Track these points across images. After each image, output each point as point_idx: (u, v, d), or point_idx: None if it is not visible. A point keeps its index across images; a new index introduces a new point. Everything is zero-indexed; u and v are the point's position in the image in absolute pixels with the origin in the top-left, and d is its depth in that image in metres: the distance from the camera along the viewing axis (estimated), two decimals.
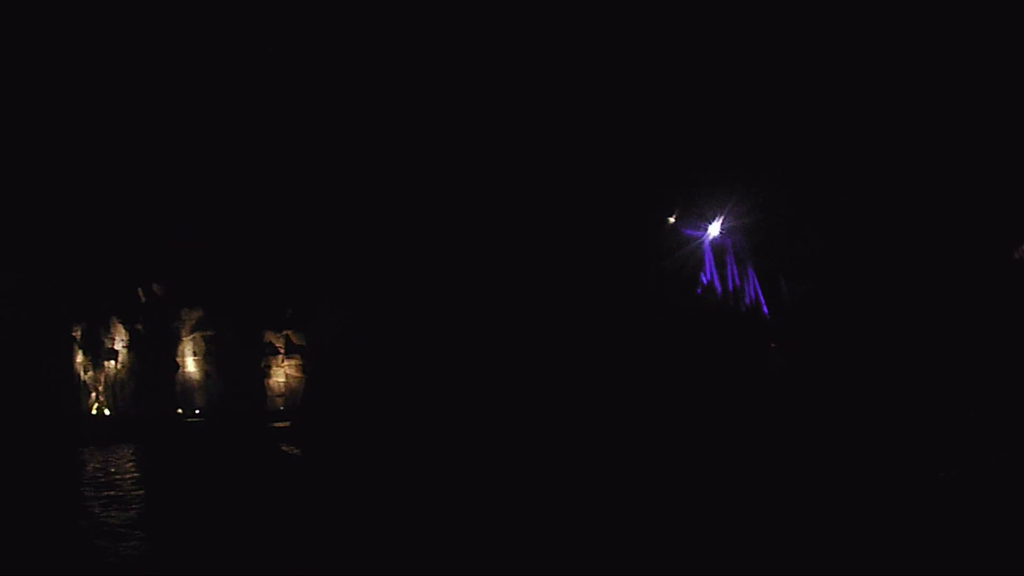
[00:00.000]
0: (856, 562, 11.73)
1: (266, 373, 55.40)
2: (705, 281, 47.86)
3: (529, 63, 51.08)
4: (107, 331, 56.48)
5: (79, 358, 55.99)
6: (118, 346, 56.21)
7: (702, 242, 48.19)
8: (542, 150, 49.99)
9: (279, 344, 55.72)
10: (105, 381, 56.08)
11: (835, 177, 45.60)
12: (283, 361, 55.43)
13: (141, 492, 21.21)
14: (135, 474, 25.60)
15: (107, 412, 55.70)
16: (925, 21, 42.17)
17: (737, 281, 48.37)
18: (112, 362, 56.10)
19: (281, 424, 48.79)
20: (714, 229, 47.57)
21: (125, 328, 56.21)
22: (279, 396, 55.26)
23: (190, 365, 55.59)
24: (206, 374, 55.32)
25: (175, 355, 55.70)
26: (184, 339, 56.04)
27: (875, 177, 45.04)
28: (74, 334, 55.96)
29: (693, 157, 46.97)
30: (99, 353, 56.28)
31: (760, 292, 47.44)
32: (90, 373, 56.11)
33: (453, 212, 50.77)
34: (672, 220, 48.26)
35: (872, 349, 39.38)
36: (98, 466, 29.04)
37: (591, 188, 48.18)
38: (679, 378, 38.49)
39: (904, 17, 42.73)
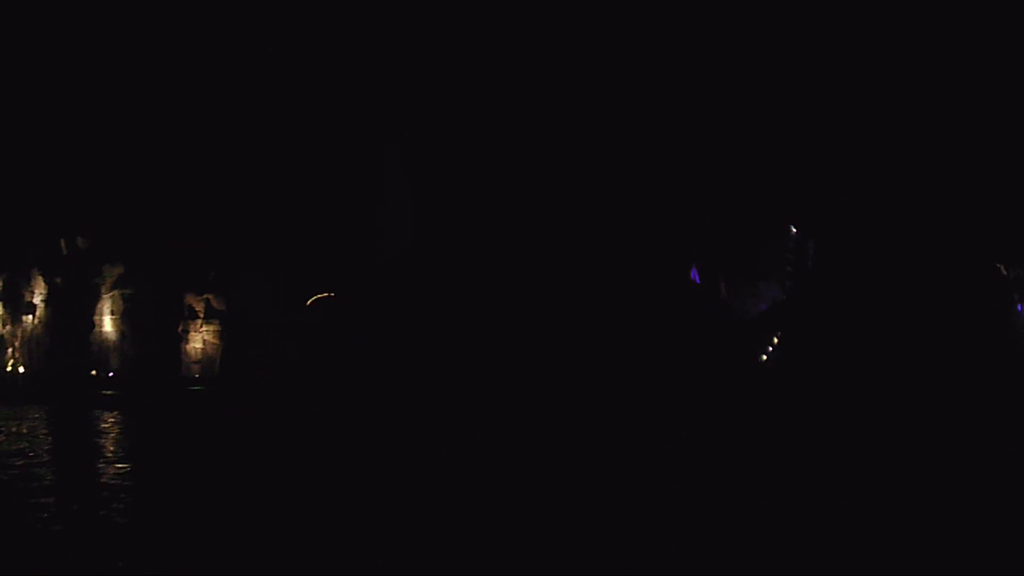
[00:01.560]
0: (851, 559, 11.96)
1: (183, 338, 51.77)
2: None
3: (514, 63, 48.37)
4: (28, 283, 53.91)
5: None
6: (36, 300, 53.59)
7: None
8: (524, 150, 47.78)
9: (199, 308, 51.92)
10: (22, 336, 53.69)
11: (830, 181, 44.58)
12: (202, 326, 51.61)
13: None
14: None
15: (21, 369, 53.42)
16: (925, 21, 39.96)
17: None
18: (30, 316, 53.59)
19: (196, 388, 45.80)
20: None
21: (45, 281, 53.49)
22: (195, 363, 51.60)
23: (107, 324, 52.57)
24: (122, 335, 52.21)
25: (93, 313, 52.69)
26: (103, 296, 52.94)
27: (870, 181, 42.27)
28: None
29: (669, 158, 44.89)
30: (19, 307, 53.87)
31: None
32: (8, 327, 53.81)
33: (444, 208, 48.61)
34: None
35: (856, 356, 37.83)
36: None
37: (581, 188, 45.92)
38: (671, 376, 37.51)
39: (904, 17, 40.28)
